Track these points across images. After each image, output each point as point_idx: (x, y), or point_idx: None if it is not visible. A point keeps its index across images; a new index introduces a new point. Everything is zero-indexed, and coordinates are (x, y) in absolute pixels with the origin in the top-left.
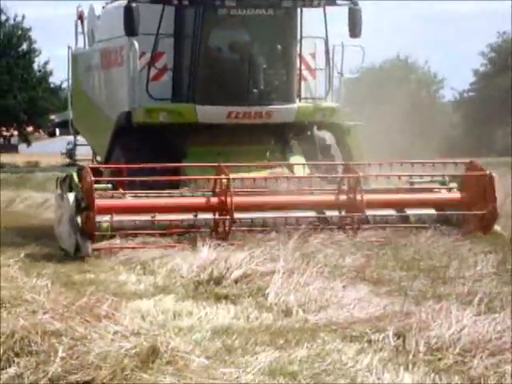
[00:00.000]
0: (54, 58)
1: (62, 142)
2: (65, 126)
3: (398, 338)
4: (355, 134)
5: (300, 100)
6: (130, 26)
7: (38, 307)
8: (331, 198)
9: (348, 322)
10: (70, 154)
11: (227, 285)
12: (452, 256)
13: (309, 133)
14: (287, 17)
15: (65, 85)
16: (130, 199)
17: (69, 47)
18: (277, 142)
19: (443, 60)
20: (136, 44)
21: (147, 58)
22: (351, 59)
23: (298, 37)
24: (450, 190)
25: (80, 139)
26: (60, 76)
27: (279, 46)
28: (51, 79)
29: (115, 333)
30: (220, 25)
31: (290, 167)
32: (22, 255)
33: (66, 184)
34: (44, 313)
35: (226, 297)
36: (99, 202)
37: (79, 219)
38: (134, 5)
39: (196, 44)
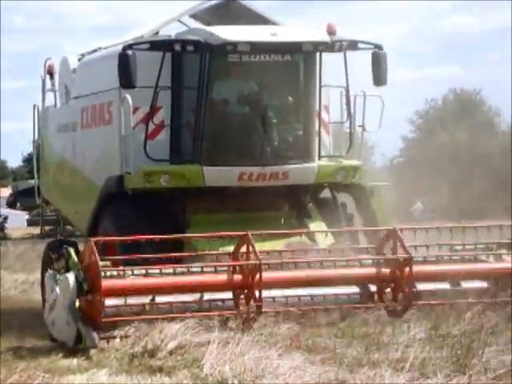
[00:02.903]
0: None
1: None
2: (27, 195)
3: None
4: (380, 196)
5: (319, 158)
6: (127, 76)
7: None
8: (373, 270)
9: None
10: (1, 227)
11: (162, 357)
12: (385, 322)
13: (326, 195)
14: (306, 63)
15: None
16: (140, 278)
17: (35, 106)
18: (292, 206)
19: None
20: (129, 98)
21: (141, 114)
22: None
23: (317, 86)
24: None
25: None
26: None
27: (297, 98)
28: None
29: None
30: (229, 73)
31: (311, 235)
32: None
33: (60, 262)
34: None
35: (161, 369)
36: (106, 283)
37: (77, 304)
38: (130, 52)
39: (201, 96)
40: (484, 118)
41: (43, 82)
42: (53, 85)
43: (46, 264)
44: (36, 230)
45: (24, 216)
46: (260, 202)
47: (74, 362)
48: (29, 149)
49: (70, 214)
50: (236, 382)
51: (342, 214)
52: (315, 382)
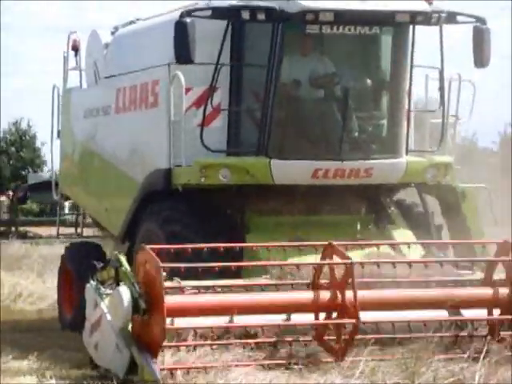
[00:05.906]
0: None
1: None
2: (41, 190)
3: None
4: (473, 201)
5: (407, 153)
6: (185, 49)
7: None
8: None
9: None
10: None
11: None
12: None
13: (401, 197)
14: (397, 38)
15: None
16: (206, 296)
17: (54, 87)
18: (369, 209)
19: None
20: (181, 76)
21: (194, 96)
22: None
23: (409, 67)
24: None
25: None
26: None
27: (384, 80)
28: None
29: None
30: (306, 49)
31: (396, 246)
32: None
33: (108, 273)
34: None
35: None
36: (170, 301)
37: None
38: (189, 20)
39: (271, 76)
40: None
41: (65, 60)
42: (78, 63)
43: (67, 271)
44: None
45: None
46: (332, 203)
47: (24, 364)
48: None
49: (97, 212)
50: None
51: (431, 220)
52: None
